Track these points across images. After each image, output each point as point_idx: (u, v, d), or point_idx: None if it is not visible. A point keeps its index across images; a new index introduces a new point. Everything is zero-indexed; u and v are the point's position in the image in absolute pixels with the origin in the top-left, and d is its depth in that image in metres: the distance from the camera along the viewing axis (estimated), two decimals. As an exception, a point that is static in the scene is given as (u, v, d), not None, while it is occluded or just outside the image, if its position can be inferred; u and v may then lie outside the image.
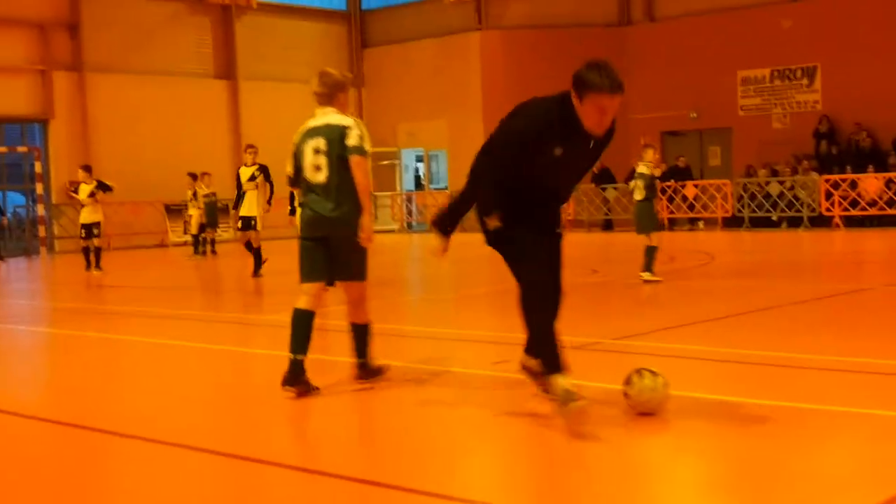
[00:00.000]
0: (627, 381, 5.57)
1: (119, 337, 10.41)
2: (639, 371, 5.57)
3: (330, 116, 7.15)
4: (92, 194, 18.68)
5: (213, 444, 5.50)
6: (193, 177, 23.37)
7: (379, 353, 8.50)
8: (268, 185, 16.60)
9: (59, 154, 28.15)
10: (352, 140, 6.89)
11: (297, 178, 6.92)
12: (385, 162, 34.36)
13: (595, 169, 29.34)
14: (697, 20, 29.81)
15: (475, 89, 31.35)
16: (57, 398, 7.35)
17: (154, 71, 29.60)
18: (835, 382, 6.60)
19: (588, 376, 6.80)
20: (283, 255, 22.41)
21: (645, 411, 5.51)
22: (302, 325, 6.66)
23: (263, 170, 16.71)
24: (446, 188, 33.00)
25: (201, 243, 22.97)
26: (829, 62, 27.63)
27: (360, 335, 7.07)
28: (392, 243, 27.35)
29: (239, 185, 16.48)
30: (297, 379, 6.53)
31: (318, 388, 6.62)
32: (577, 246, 22.57)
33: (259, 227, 16.48)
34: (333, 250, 6.81)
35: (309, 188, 6.90)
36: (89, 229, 18.62)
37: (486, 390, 6.85)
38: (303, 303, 6.79)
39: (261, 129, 31.50)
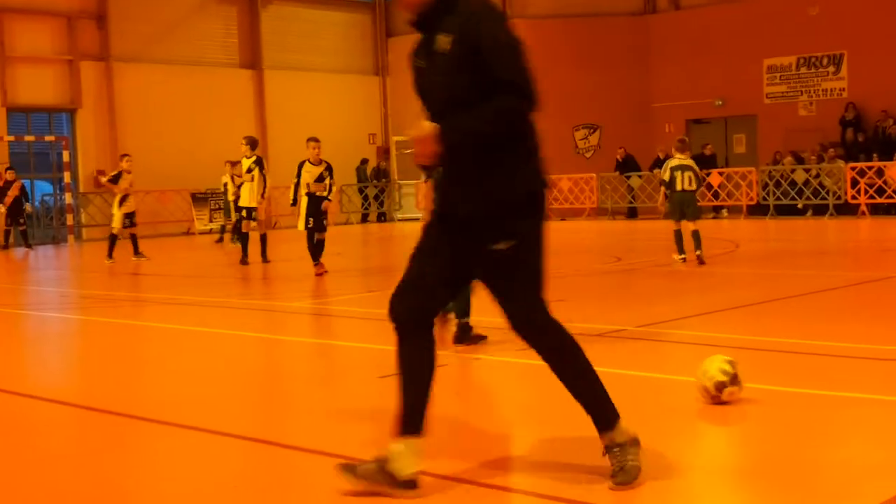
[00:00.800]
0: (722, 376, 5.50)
1: (147, 324, 10.53)
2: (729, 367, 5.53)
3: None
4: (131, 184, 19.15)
5: (241, 430, 5.58)
6: (232, 164, 23.46)
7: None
8: (262, 177, 16.82)
9: (86, 143, 28.37)
10: None
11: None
12: (409, 150, 34.22)
13: (619, 157, 29.32)
14: (723, 8, 29.65)
15: (499, 77, 31.29)
16: (86, 384, 7.45)
17: (180, 60, 29.76)
18: (863, 370, 6.61)
19: (613, 364, 6.84)
20: (292, 244, 22.55)
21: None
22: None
23: (258, 162, 16.99)
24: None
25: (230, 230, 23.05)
26: (856, 50, 27.43)
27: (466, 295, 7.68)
28: (416, 231, 27.33)
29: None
30: (465, 336, 7.61)
31: (485, 337, 7.63)
32: (601, 234, 22.57)
33: (257, 216, 17.04)
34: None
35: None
36: (132, 217, 18.90)
37: (513, 377, 6.90)
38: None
39: (285, 117, 31.66)
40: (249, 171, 16.89)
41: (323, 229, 14.56)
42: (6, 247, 24.12)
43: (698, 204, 14.44)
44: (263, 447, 5.21)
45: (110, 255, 18.55)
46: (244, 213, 17.04)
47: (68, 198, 26.96)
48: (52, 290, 15.24)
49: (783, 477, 4.30)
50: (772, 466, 4.47)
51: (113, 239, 18.94)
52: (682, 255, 13.92)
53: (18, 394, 6.84)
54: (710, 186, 27.63)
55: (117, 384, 7.27)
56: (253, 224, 16.93)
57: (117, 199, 18.92)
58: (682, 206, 13.91)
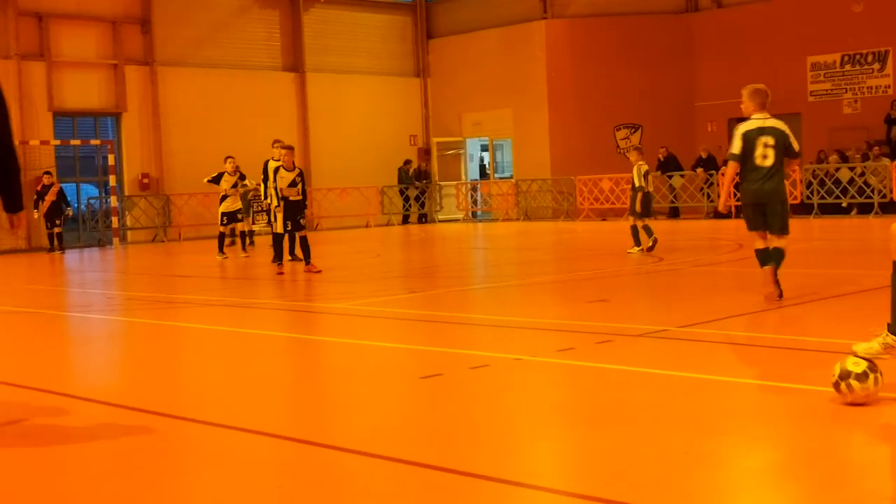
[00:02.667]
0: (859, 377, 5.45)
1: (190, 325, 10.63)
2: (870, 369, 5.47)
3: (772, 120, 9.57)
4: (235, 185, 19.80)
5: (283, 430, 5.62)
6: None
7: (445, 342, 8.59)
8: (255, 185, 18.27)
9: (131, 147, 28.69)
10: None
11: (745, 160, 9.45)
12: (450, 151, 34.44)
13: (661, 156, 29.15)
14: (766, 6, 29.40)
15: (540, 78, 31.26)
16: (130, 384, 7.54)
17: (223, 64, 30.02)
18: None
19: (655, 364, 6.82)
20: (333, 245, 22.64)
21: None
22: (762, 255, 9.67)
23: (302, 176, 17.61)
24: (511, 177, 32.99)
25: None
26: (902, 46, 27.08)
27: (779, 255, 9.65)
28: (457, 232, 27.43)
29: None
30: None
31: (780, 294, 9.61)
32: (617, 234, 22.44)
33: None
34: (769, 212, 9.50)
35: (753, 169, 9.42)
36: (233, 216, 19.68)
37: (553, 378, 6.90)
38: (759, 244, 9.64)
39: (327, 120, 31.84)
40: (234, 186, 19.22)
41: (302, 227, 15.47)
42: (52, 249, 24.41)
43: None
44: (305, 447, 5.25)
45: (221, 251, 19.42)
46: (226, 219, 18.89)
47: (113, 201, 27.28)
48: (97, 292, 15.43)
49: (825, 478, 4.27)
50: (815, 467, 4.43)
51: (221, 237, 19.70)
52: None
53: (64, 394, 6.94)
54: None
55: (160, 384, 7.35)
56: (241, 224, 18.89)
57: (219, 198, 19.76)
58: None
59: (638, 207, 16.31)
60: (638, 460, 4.67)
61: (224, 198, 19.61)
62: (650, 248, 16.16)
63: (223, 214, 19.59)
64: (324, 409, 6.37)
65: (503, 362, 7.26)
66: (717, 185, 27.84)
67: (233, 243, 22.64)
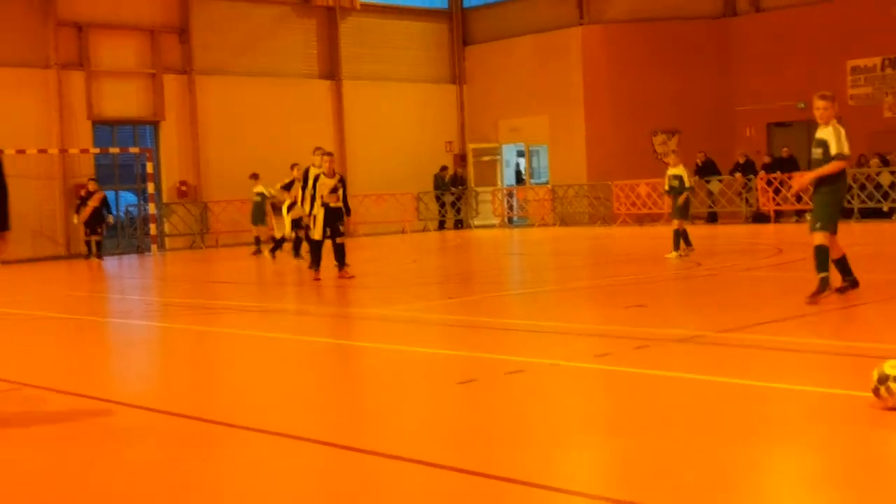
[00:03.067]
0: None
1: (228, 330, 10.68)
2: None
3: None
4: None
5: (320, 435, 5.63)
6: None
7: (481, 347, 8.58)
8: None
9: (169, 154, 28.93)
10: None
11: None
12: (486, 158, 34.43)
13: (699, 161, 28.97)
14: (805, 10, 29.14)
15: (577, 84, 31.19)
16: (169, 390, 7.59)
17: (261, 72, 30.21)
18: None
19: (694, 370, 6.77)
20: (369, 251, 22.67)
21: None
22: (821, 253, 9.64)
23: (343, 182, 17.76)
24: (547, 182, 32.93)
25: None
26: (944, 49, 26.75)
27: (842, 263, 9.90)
28: (493, 238, 27.41)
29: None
30: (822, 291, 9.53)
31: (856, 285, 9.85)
32: (656, 239, 22.30)
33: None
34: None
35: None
36: (299, 222, 19.51)
37: (591, 383, 6.86)
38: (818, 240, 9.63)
39: (363, 127, 31.95)
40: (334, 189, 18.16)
41: (341, 234, 15.41)
42: (89, 256, 24.60)
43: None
44: (342, 452, 5.25)
45: (278, 252, 19.79)
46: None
47: (152, 208, 27.51)
48: (136, 298, 15.56)
49: (870, 484, 4.21)
50: (858, 473, 4.37)
51: (281, 242, 20.09)
52: None
53: (104, 400, 6.99)
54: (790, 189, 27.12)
55: (199, 390, 7.39)
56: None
57: (286, 205, 19.69)
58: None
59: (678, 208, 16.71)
60: (674, 466, 4.63)
61: (293, 205, 19.54)
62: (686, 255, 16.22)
63: (293, 221, 19.53)
64: (361, 414, 6.37)
65: (539, 368, 7.23)
66: (755, 189, 27.63)
67: (258, 251, 22.77)
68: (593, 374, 7.03)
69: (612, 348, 7.46)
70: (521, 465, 4.77)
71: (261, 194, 23.70)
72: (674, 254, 16.19)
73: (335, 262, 15.50)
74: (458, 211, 33.71)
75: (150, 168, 27.55)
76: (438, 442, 5.41)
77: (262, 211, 23.68)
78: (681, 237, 16.38)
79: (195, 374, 8.13)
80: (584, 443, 5.31)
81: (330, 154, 15.85)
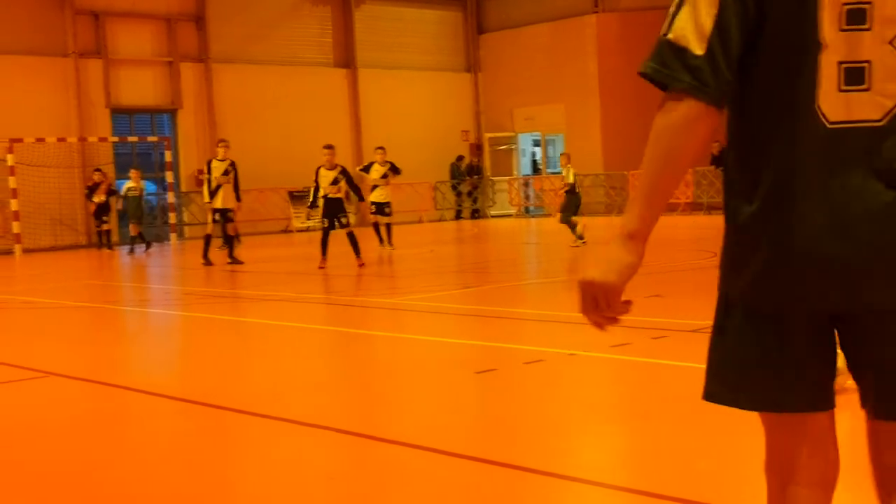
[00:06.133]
0: None
1: (246, 319, 10.76)
2: None
3: None
4: (385, 175, 19.59)
5: (338, 423, 5.69)
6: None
7: (499, 337, 8.64)
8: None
9: (187, 143, 29.03)
10: None
11: None
12: (502, 147, 34.42)
13: (715, 150, 28.92)
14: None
15: (592, 72, 31.14)
16: (189, 378, 7.67)
17: (276, 61, 30.25)
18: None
19: (704, 360, 6.79)
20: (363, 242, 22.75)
21: None
22: None
23: (234, 165, 17.70)
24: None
25: None
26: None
27: None
28: (509, 227, 27.43)
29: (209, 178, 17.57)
30: None
31: None
32: (696, 228, 22.30)
33: (235, 217, 18.02)
34: None
35: None
36: (381, 207, 19.41)
37: (608, 372, 6.91)
38: None
39: (379, 115, 31.96)
40: (226, 172, 17.55)
41: (346, 225, 15.79)
42: (101, 246, 24.45)
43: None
44: (360, 440, 5.31)
45: (388, 242, 19.27)
46: (217, 215, 17.82)
47: (170, 197, 27.62)
48: (156, 287, 15.67)
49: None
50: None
51: (376, 227, 19.67)
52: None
53: (125, 388, 7.08)
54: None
55: (218, 378, 7.47)
56: (231, 225, 18.10)
57: (368, 189, 19.53)
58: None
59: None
60: (692, 456, 4.67)
61: (374, 188, 19.47)
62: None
63: (374, 203, 19.42)
64: (379, 403, 6.44)
65: (558, 357, 7.28)
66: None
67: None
68: (611, 363, 7.08)
69: (629, 338, 7.50)
70: (540, 455, 4.83)
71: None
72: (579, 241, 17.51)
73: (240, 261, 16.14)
74: (475, 200, 33.71)
75: (168, 157, 27.65)
76: (458, 431, 5.47)
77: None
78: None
79: (214, 363, 8.21)
80: (602, 432, 5.36)
81: (330, 147, 16.25)
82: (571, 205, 18.15)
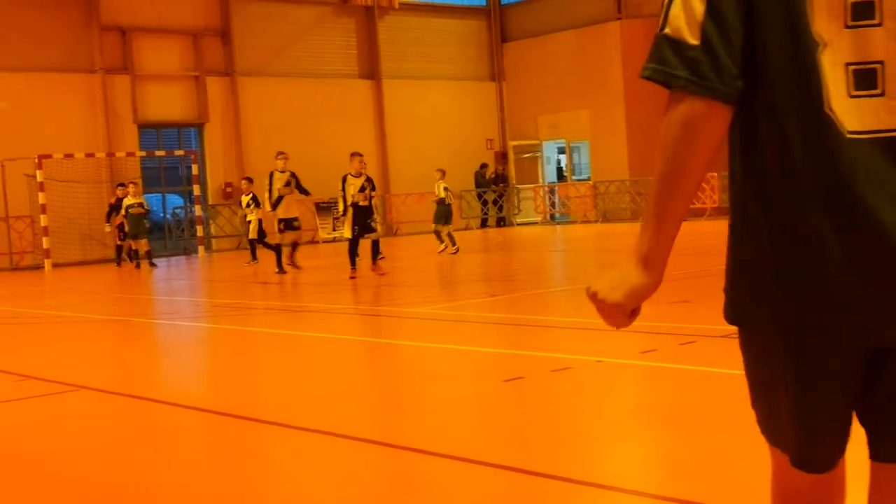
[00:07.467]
0: None
1: (275, 331, 10.81)
2: None
3: None
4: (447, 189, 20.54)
5: (368, 433, 5.71)
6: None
7: (526, 345, 8.64)
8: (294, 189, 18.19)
9: (214, 156, 29.22)
10: None
11: None
12: (527, 154, 34.41)
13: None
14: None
15: (616, 79, 31.08)
16: (218, 390, 7.72)
17: (301, 73, 30.40)
18: None
19: (740, 366, 6.77)
20: (411, 249, 22.78)
21: None
22: None
23: (294, 175, 18.22)
24: (588, 179, 32.84)
25: None
26: None
27: None
28: (535, 235, 27.40)
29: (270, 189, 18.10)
30: None
31: None
32: (722, 234, 22.21)
33: (300, 225, 18.76)
34: None
35: None
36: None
37: (636, 379, 6.90)
38: None
39: (403, 126, 32.05)
40: (287, 184, 18.10)
41: (372, 230, 15.94)
42: (120, 261, 24.20)
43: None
44: (390, 450, 5.33)
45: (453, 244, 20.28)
46: (282, 224, 18.11)
47: (198, 210, 27.78)
48: (185, 299, 15.77)
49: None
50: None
51: (437, 234, 20.64)
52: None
53: (156, 400, 7.13)
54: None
55: (249, 390, 7.51)
56: (293, 234, 18.34)
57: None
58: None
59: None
60: (721, 463, 4.66)
61: (441, 201, 20.25)
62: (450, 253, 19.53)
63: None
64: (407, 412, 6.46)
65: (585, 364, 7.28)
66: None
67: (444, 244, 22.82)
68: (639, 370, 7.07)
69: (657, 344, 7.49)
70: (570, 463, 4.83)
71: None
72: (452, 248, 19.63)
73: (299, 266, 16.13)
74: (500, 208, 33.72)
75: (195, 170, 27.83)
76: (486, 440, 5.48)
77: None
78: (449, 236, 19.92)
79: (245, 375, 8.26)
80: (631, 439, 5.35)
81: (360, 154, 16.49)
82: (441, 215, 20.30)
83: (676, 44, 1.89)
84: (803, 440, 2.03)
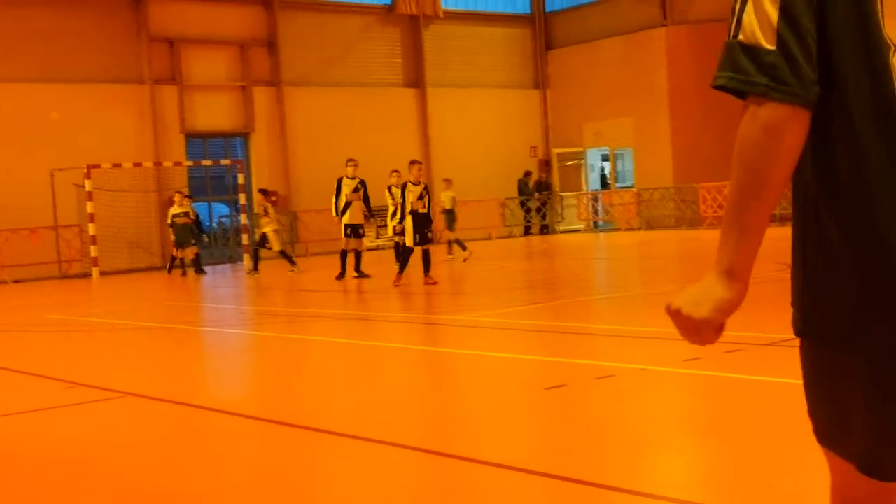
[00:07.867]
0: None
1: (318, 338, 10.88)
2: None
3: None
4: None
5: (411, 441, 5.73)
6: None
7: (569, 353, 8.62)
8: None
9: (259, 166, 29.46)
10: None
11: None
12: (570, 162, 34.34)
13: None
14: None
15: (661, 86, 30.93)
16: (264, 397, 7.78)
17: (347, 83, 30.59)
18: None
19: (787, 374, 6.73)
20: (451, 260, 22.83)
21: None
22: None
23: (363, 183, 18.41)
24: (632, 186, 32.70)
25: None
26: None
27: None
28: (578, 243, 27.32)
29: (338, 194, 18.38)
30: None
31: None
32: (767, 240, 22.03)
33: (364, 232, 19.00)
34: None
35: None
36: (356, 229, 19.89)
37: (681, 388, 6.86)
38: None
39: (448, 134, 32.11)
40: (356, 190, 18.29)
41: (429, 241, 16.00)
42: (170, 270, 24.34)
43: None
44: (434, 458, 5.35)
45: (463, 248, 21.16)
46: (349, 230, 18.26)
47: (243, 218, 28.00)
48: (230, 307, 15.90)
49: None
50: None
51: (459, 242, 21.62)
52: None
53: (202, 407, 7.21)
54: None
55: (295, 397, 7.57)
56: (358, 241, 18.48)
57: (389, 212, 20.21)
58: None
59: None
60: (767, 473, 4.63)
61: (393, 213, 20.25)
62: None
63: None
64: (450, 420, 6.47)
65: (629, 373, 7.25)
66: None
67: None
68: (683, 378, 7.03)
69: (701, 352, 7.44)
70: (613, 471, 4.82)
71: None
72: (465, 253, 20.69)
73: (366, 274, 16.05)
74: (544, 216, 33.67)
75: (241, 179, 28.06)
76: (528, 448, 5.48)
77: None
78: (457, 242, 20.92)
79: (290, 382, 8.32)
80: (675, 448, 5.33)
81: (419, 162, 16.60)
82: (448, 223, 21.45)
83: (752, 50, 1.86)
84: (874, 448, 2.01)
